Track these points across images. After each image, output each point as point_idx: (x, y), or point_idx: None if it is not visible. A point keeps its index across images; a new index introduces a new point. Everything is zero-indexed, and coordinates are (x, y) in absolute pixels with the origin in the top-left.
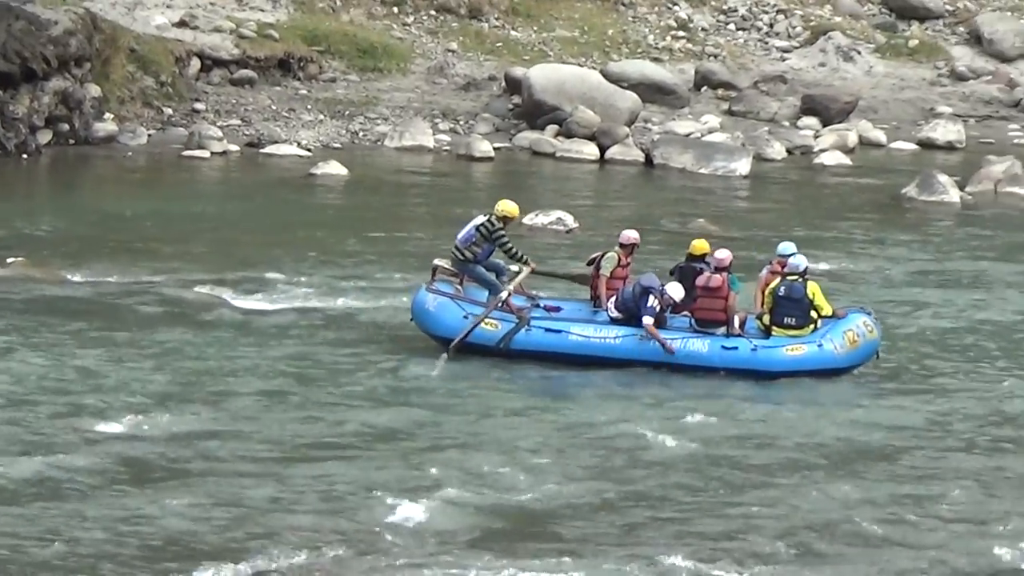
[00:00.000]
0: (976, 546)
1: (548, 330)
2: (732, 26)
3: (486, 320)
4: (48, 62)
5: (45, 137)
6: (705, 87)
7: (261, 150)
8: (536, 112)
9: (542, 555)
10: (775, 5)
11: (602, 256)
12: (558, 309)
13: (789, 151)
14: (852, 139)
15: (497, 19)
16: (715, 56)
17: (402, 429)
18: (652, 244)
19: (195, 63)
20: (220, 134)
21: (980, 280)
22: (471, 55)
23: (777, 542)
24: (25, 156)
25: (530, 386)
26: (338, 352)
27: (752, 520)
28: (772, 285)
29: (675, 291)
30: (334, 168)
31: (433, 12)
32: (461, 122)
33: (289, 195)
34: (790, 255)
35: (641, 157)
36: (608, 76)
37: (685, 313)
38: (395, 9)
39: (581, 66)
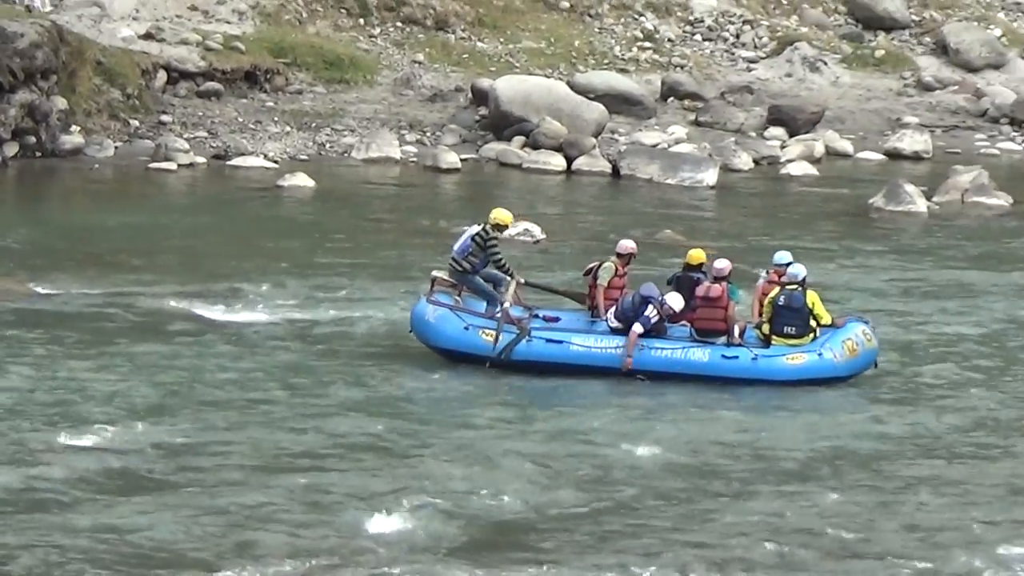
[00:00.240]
0: (956, 555)
1: (549, 340)
2: (698, 37)
3: (486, 331)
4: (14, 75)
5: (11, 150)
6: (672, 98)
7: (228, 162)
8: (503, 123)
9: (522, 564)
10: (741, 16)
11: (599, 266)
12: (557, 319)
13: (756, 161)
14: (819, 149)
15: (463, 30)
16: (681, 67)
17: (383, 439)
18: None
19: (161, 75)
20: (187, 146)
21: (950, 289)
22: (437, 66)
23: (757, 552)
24: None
25: (518, 396)
26: (314, 363)
27: (733, 529)
28: (772, 294)
29: (675, 301)
30: (301, 180)
31: (399, 24)
32: (428, 133)
33: (256, 207)
34: (787, 264)
35: (608, 168)
36: (575, 87)
37: (683, 323)
38: (361, 21)
39: (548, 77)
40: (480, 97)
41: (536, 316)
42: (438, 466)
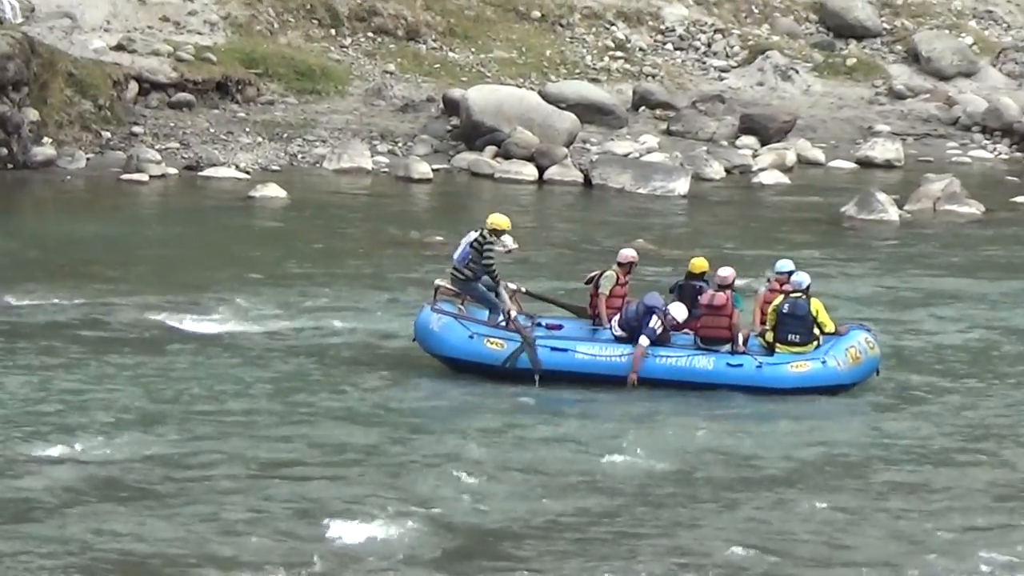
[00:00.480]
0: (940, 561)
1: (554, 349)
2: (670, 46)
3: (491, 340)
4: None
5: None
6: (643, 107)
7: (200, 173)
8: (474, 133)
9: (505, 572)
10: (713, 25)
11: (600, 275)
12: (559, 327)
13: (728, 170)
14: (790, 158)
15: (435, 40)
16: (653, 76)
17: (368, 448)
18: (592, 263)
19: (133, 87)
20: (159, 157)
21: (924, 297)
22: (409, 77)
23: (742, 559)
24: None
25: (509, 405)
26: (291, 372)
27: (718, 536)
28: (776, 302)
29: (678, 312)
30: (273, 191)
31: (371, 34)
32: (399, 144)
33: (228, 218)
34: (789, 272)
35: (580, 177)
36: (546, 97)
37: (686, 331)
38: (333, 31)
39: (519, 87)
40: (452, 107)
41: (539, 325)
42: (425, 475)
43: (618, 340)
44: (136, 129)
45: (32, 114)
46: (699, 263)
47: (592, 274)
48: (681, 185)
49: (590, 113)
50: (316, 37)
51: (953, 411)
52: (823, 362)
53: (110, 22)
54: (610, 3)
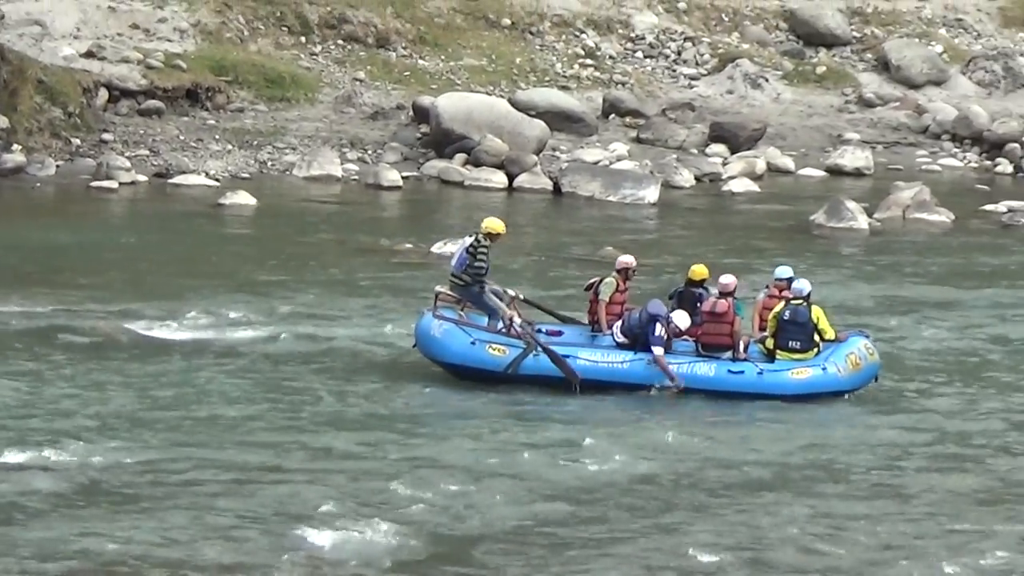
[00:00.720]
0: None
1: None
2: (640, 54)
3: (493, 346)
4: None
5: None
6: (613, 115)
7: (169, 180)
8: (444, 141)
9: None
10: (683, 33)
11: (600, 282)
12: (559, 333)
13: (697, 178)
14: (760, 166)
15: (404, 48)
16: (623, 84)
17: (346, 453)
18: (560, 271)
19: (103, 94)
20: (128, 165)
21: (895, 305)
22: (379, 84)
23: (728, 563)
24: None
25: (495, 410)
26: (267, 379)
27: (704, 541)
28: (776, 309)
29: (681, 320)
30: (243, 198)
31: (340, 42)
32: (369, 151)
33: (198, 225)
34: (788, 279)
35: (549, 185)
36: (516, 104)
37: (686, 338)
38: (303, 39)
39: (489, 95)
40: (421, 115)
41: (539, 331)
42: (408, 481)
43: (620, 347)
44: (106, 136)
45: (2, 121)
46: (699, 270)
47: (591, 281)
48: (651, 193)
49: (560, 121)
50: (286, 44)
51: (928, 417)
52: (824, 369)
53: (80, 29)
54: (580, 11)
